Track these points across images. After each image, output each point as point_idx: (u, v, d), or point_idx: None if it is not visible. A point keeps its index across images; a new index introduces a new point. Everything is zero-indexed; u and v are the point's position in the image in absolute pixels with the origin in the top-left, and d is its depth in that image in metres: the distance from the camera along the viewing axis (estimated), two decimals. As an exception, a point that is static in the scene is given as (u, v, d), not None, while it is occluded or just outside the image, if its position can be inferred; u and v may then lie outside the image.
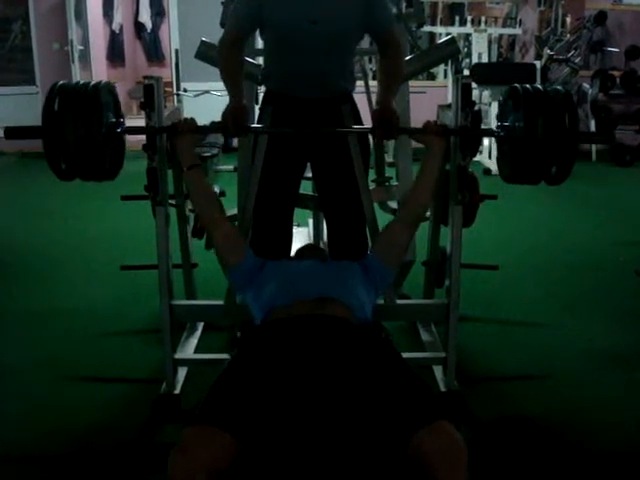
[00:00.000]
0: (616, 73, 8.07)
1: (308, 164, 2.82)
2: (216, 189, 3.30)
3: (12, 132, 2.34)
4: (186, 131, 2.41)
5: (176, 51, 7.99)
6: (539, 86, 2.36)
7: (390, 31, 2.62)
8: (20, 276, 4.14)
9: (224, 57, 2.60)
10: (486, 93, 7.50)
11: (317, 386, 1.82)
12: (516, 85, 2.39)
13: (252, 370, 1.88)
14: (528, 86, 2.35)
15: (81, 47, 8.12)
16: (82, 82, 2.37)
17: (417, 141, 2.55)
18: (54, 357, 3.04)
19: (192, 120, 2.47)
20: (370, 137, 2.71)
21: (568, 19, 9.31)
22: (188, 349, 2.97)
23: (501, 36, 8.71)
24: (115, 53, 10.69)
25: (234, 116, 2.53)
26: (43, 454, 2.34)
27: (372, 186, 3.17)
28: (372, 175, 3.25)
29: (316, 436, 1.83)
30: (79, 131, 2.22)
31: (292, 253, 2.80)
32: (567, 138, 2.26)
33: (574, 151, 2.29)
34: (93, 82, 2.36)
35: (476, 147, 2.94)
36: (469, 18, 8.11)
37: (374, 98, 2.70)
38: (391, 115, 2.54)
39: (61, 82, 2.33)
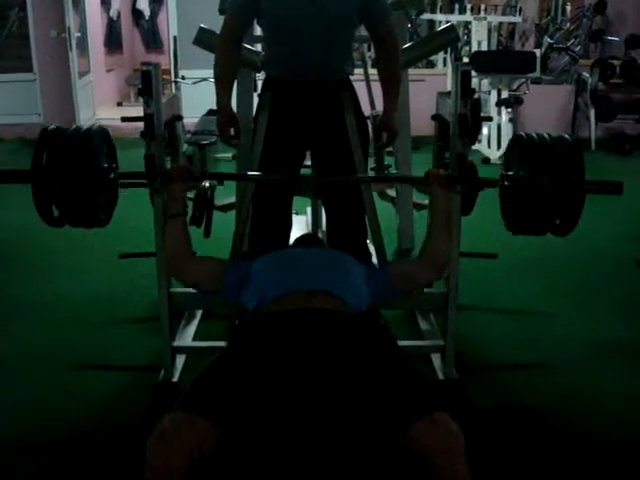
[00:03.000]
0: (616, 62, 8.04)
1: (308, 152, 2.82)
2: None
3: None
4: (180, 179, 2.34)
5: (174, 38, 7.95)
6: (545, 135, 2.29)
7: (386, 25, 2.61)
8: (18, 265, 4.13)
9: (223, 50, 2.60)
10: (486, 81, 7.48)
11: (308, 378, 1.80)
12: (521, 134, 2.33)
13: (239, 361, 1.87)
14: (534, 135, 2.28)
15: (78, 34, 8.08)
16: (74, 127, 2.31)
17: (420, 191, 2.49)
18: (53, 345, 3.05)
19: (187, 167, 2.44)
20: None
21: (568, 7, 9.27)
22: (186, 337, 2.97)
23: (501, 24, 8.66)
24: (113, 40, 10.65)
25: (231, 126, 2.63)
26: (42, 442, 2.35)
27: (371, 174, 3.16)
28: (371, 163, 3.24)
29: (308, 428, 1.82)
30: (69, 179, 2.16)
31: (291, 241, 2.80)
32: (573, 190, 2.19)
33: (580, 203, 2.21)
34: (85, 127, 2.31)
35: (475, 135, 2.92)
36: (469, 6, 8.05)
37: (373, 86, 2.71)
38: (388, 130, 2.69)
39: (52, 127, 2.26)
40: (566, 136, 2.29)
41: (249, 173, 2.58)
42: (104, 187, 2.30)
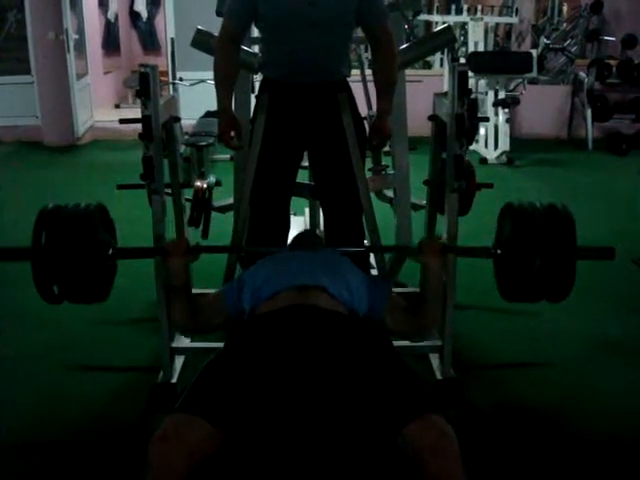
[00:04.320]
0: (612, 62, 8.06)
1: (305, 153, 2.83)
2: (212, 178, 3.30)
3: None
4: (177, 254, 2.34)
5: (172, 40, 7.96)
6: (537, 204, 2.31)
7: (382, 26, 2.62)
8: (16, 266, 4.12)
9: (222, 54, 2.60)
10: (482, 82, 7.49)
11: (303, 379, 1.81)
12: (512, 203, 2.34)
13: (237, 361, 1.88)
14: (525, 204, 2.30)
15: (76, 36, 8.07)
16: (72, 205, 2.32)
17: (414, 261, 2.45)
18: (51, 346, 3.05)
19: (184, 239, 2.46)
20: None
21: (564, 8, 9.29)
22: (185, 338, 2.97)
23: (497, 25, 8.69)
24: (110, 42, 10.65)
25: (233, 129, 2.61)
26: (41, 441, 2.36)
27: (368, 174, 3.17)
28: (369, 163, 3.24)
29: (303, 428, 1.83)
30: (69, 260, 2.19)
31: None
32: (566, 260, 2.22)
33: (572, 272, 2.24)
34: (83, 205, 2.33)
35: (472, 136, 2.93)
36: (465, 7, 8.08)
37: (370, 87, 2.72)
38: (382, 132, 2.67)
39: (51, 206, 2.28)
40: (558, 206, 2.31)
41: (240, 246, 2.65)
42: (103, 263, 2.33)
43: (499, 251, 2.36)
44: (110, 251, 2.37)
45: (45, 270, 2.22)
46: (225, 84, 2.61)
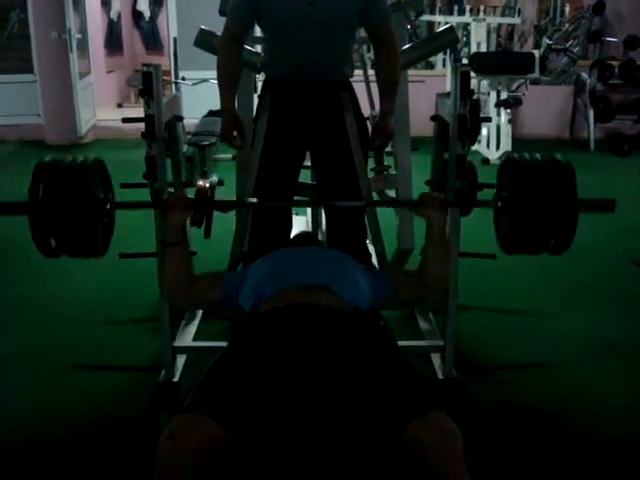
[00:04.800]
0: (615, 63, 8.06)
1: (307, 153, 2.83)
2: (214, 178, 3.30)
3: None
4: (176, 207, 2.34)
5: (174, 39, 7.96)
6: (537, 155, 2.29)
7: (385, 26, 2.62)
8: (19, 265, 4.13)
9: (225, 54, 2.60)
10: (485, 82, 7.49)
11: (308, 377, 1.82)
12: (514, 155, 2.33)
13: (242, 360, 1.89)
14: (527, 156, 2.28)
15: (79, 35, 8.08)
16: (70, 160, 2.31)
17: (415, 214, 2.47)
18: (53, 345, 3.06)
19: (182, 194, 2.45)
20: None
21: (567, 8, 9.28)
22: (187, 337, 2.98)
23: (500, 25, 8.67)
24: (113, 42, 10.66)
25: (235, 128, 2.62)
26: (44, 440, 2.36)
27: (371, 175, 3.17)
28: (371, 164, 3.25)
29: (308, 427, 1.84)
30: (66, 211, 2.17)
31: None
32: (566, 211, 2.20)
33: (574, 223, 2.22)
34: (81, 159, 2.31)
35: (474, 136, 2.93)
36: (468, 7, 8.07)
37: (372, 87, 2.72)
38: (384, 132, 2.66)
39: (47, 159, 2.27)
40: (558, 157, 2.30)
41: (248, 200, 2.60)
42: (101, 218, 2.31)
43: (500, 204, 2.34)
44: (108, 205, 2.35)
45: (43, 223, 2.19)
46: (228, 84, 2.62)
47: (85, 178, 2.23)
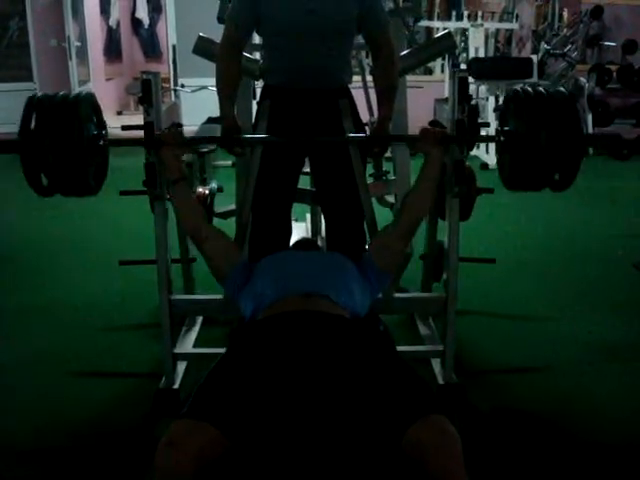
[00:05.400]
0: (613, 67, 8.08)
1: (306, 159, 2.83)
2: (214, 185, 3.31)
3: None
4: (171, 143, 2.35)
5: (173, 47, 7.99)
6: (541, 88, 2.27)
7: (383, 33, 2.63)
8: (18, 271, 4.14)
9: (224, 61, 2.61)
10: (483, 87, 7.51)
11: (308, 382, 1.82)
12: (517, 88, 2.31)
13: (241, 366, 1.89)
14: (529, 89, 2.26)
15: (78, 43, 8.11)
16: (61, 94, 2.28)
17: (414, 149, 2.49)
18: (53, 352, 3.06)
19: (177, 130, 2.44)
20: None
21: (565, 13, 9.31)
22: (187, 343, 2.98)
23: (498, 31, 8.70)
24: (112, 49, 10.69)
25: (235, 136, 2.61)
26: (43, 447, 2.36)
27: (370, 180, 3.18)
28: (370, 169, 3.25)
29: (308, 432, 1.83)
30: (58, 146, 2.13)
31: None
32: (571, 143, 2.18)
33: (579, 157, 2.20)
34: (73, 93, 2.28)
35: (473, 141, 2.94)
36: (466, 13, 8.09)
37: (371, 93, 2.72)
38: (381, 138, 2.65)
39: (39, 94, 2.24)
40: (562, 89, 2.27)
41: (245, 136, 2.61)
42: (94, 154, 2.27)
43: (503, 138, 2.32)
44: (101, 142, 2.32)
45: (34, 160, 2.16)
46: (228, 91, 2.62)
47: (77, 113, 2.20)
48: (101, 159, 2.36)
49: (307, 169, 2.93)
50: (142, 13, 11.40)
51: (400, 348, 2.23)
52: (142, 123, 2.44)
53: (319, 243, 3.43)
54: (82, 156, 2.20)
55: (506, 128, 2.32)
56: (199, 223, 2.40)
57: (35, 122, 2.16)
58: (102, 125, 2.38)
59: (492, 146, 7.18)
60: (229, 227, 2.85)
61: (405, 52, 3.24)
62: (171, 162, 2.37)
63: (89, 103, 2.31)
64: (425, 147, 2.37)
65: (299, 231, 3.88)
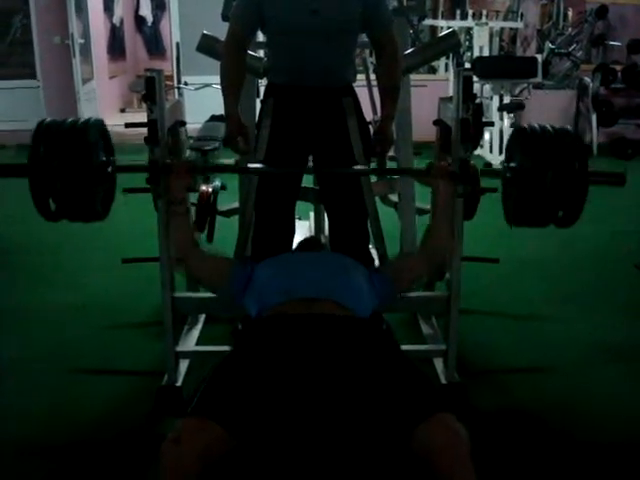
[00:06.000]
0: (618, 67, 8.06)
1: (310, 158, 2.83)
2: (217, 183, 3.30)
3: None
4: (180, 172, 2.34)
5: (177, 44, 7.97)
6: (548, 126, 2.28)
7: (387, 33, 2.63)
8: (21, 270, 4.15)
9: (229, 60, 2.60)
10: (487, 87, 7.49)
11: (314, 382, 1.82)
12: (524, 126, 2.30)
13: (247, 365, 1.89)
14: (536, 126, 2.26)
15: (82, 41, 8.10)
16: (70, 120, 2.27)
17: (422, 183, 2.47)
18: (56, 350, 3.06)
19: (186, 161, 2.43)
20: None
21: (570, 13, 9.28)
22: (190, 341, 2.98)
23: (502, 29, 8.67)
24: (116, 47, 10.68)
25: (240, 134, 2.61)
26: (46, 446, 2.36)
27: (373, 179, 3.17)
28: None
29: (314, 431, 1.83)
30: (66, 173, 2.13)
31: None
32: (576, 182, 2.17)
33: (583, 195, 2.20)
34: (82, 120, 2.28)
35: (477, 140, 2.93)
36: (470, 11, 8.07)
37: (375, 91, 2.72)
38: (384, 139, 2.66)
39: (48, 120, 2.23)
40: (568, 128, 2.27)
41: (249, 165, 2.59)
42: (101, 180, 2.27)
43: (509, 174, 2.31)
44: (109, 168, 2.32)
45: (43, 185, 2.16)
46: (232, 89, 2.62)
47: (86, 139, 2.20)
48: (109, 185, 2.36)
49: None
50: (146, 10, 11.39)
51: (403, 347, 2.23)
52: (145, 121, 2.44)
53: (322, 241, 3.42)
54: (90, 183, 2.21)
55: (512, 164, 2.32)
56: (190, 252, 2.36)
57: (44, 148, 2.16)
58: (110, 151, 2.37)
59: (496, 145, 7.19)
60: (232, 225, 2.85)
61: (409, 51, 3.23)
62: (177, 190, 2.35)
63: (98, 129, 2.31)
64: (434, 181, 2.35)
65: (302, 230, 3.87)
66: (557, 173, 2.16)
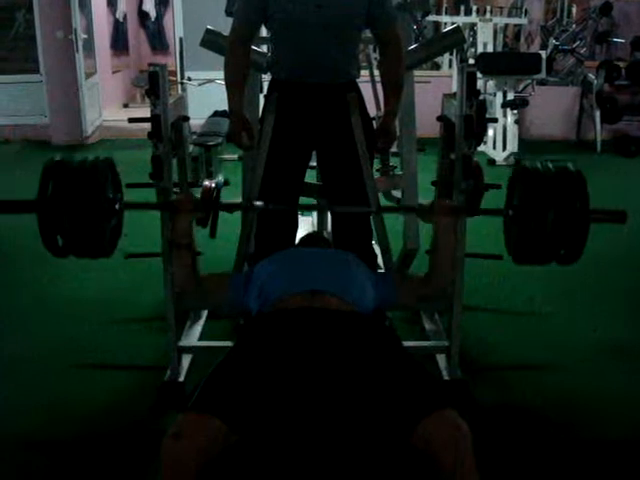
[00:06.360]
0: (622, 64, 8.04)
1: (313, 153, 2.83)
2: (220, 178, 3.30)
3: (4, 207, 2.27)
4: (185, 209, 2.33)
5: (180, 40, 7.96)
6: (549, 164, 2.27)
7: (391, 30, 2.63)
8: (24, 266, 4.14)
9: (233, 56, 2.61)
10: (491, 83, 7.48)
11: (316, 377, 1.82)
12: (525, 164, 2.29)
13: (249, 360, 1.89)
14: (538, 165, 2.25)
15: (85, 36, 8.09)
16: (79, 159, 2.28)
17: (424, 221, 2.45)
18: (59, 345, 3.06)
19: (190, 198, 2.42)
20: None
21: (574, 9, 9.26)
22: (192, 337, 2.98)
23: (506, 26, 8.65)
24: (119, 42, 10.67)
25: (244, 129, 2.62)
26: (50, 440, 2.37)
27: (376, 175, 3.16)
28: (377, 164, 3.24)
29: (316, 427, 1.83)
30: (74, 212, 2.14)
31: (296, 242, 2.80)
32: (578, 221, 2.18)
33: (584, 234, 2.20)
34: (91, 158, 2.28)
35: (481, 137, 2.93)
36: (474, 7, 8.05)
37: (378, 87, 2.71)
38: (387, 134, 2.67)
39: (57, 158, 2.24)
40: (570, 166, 2.28)
41: (255, 203, 2.58)
42: (109, 218, 2.30)
43: (510, 212, 2.32)
44: (117, 205, 2.33)
45: (51, 222, 2.16)
46: (236, 85, 2.62)
47: (95, 177, 2.22)
48: (116, 222, 2.36)
49: (314, 163, 2.92)
50: (149, 6, 11.38)
51: (405, 344, 2.23)
52: (149, 116, 2.44)
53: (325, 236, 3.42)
54: (98, 222, 2.21)
55: (514, 203, 2.31)
56: (195, 288, 2.36)
57: (53, 186, 2.16)
58: (118, 188, 2.37)
59: (499, 142, 7.18)
60: (235, 221, 2.85)
61: (413, 46, 3.23)
62: (182, 227, 2.34)
63: (106, 168, 2.31)
64: (437, 218, 2.32)
65: (305, 225, 3.87)
66: (558, 213, 2.16)
